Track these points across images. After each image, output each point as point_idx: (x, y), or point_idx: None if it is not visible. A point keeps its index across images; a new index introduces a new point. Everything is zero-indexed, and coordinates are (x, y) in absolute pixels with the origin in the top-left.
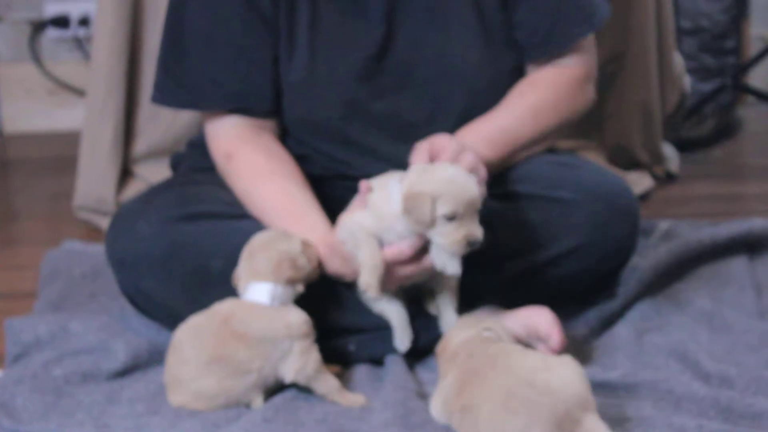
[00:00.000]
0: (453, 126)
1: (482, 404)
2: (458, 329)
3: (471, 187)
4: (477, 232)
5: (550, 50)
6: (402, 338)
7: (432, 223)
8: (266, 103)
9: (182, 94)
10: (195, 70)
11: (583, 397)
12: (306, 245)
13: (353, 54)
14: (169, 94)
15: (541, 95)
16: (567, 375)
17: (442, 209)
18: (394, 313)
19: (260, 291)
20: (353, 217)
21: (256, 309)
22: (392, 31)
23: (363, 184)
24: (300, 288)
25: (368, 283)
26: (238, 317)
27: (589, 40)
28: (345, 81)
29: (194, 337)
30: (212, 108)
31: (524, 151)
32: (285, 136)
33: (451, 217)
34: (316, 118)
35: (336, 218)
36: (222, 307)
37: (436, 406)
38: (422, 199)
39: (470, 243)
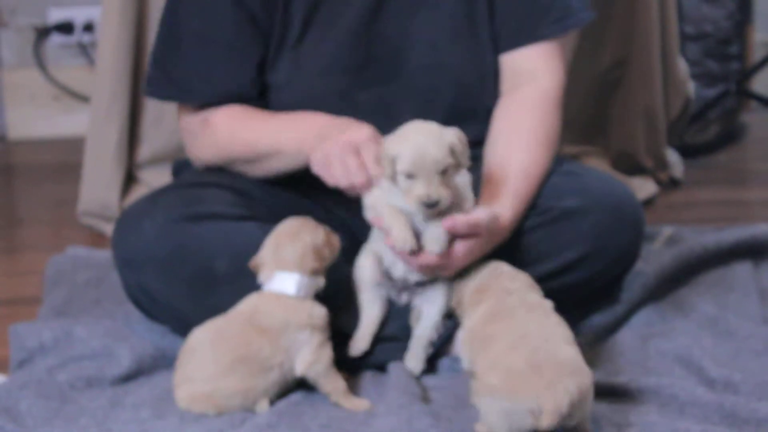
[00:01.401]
0: (441, 118)
1: (504, 339)
2: (466, 279)
3: (430, 149)
4: (432, 192)
5: (518, 42)
6: (361, 341)
7: (393, 179)
8: (251, 101)
9: (171, 87)
10: (185, 65)
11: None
12: (328, 234)
13: (341, 45)
14: (158, 86)
15: (541, 128)
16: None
17: (400, 167)
18: (370, 314)
19: (287, 281)
20: (371, 193)
21: (281, 299)
22: (381, 23)
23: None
24: (321, 281)
25: (404, 237)
26: (262, 310)
27: (559, 46)
28: (332, 73)
29: (215, 339)
30: (198, 101)
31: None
32: None
33: (408, 176)
34: (304, 110)
35: (327, 211)
36: (244, 306)
37: (462, 336)
38: (385, 158)
39: (424, 203)
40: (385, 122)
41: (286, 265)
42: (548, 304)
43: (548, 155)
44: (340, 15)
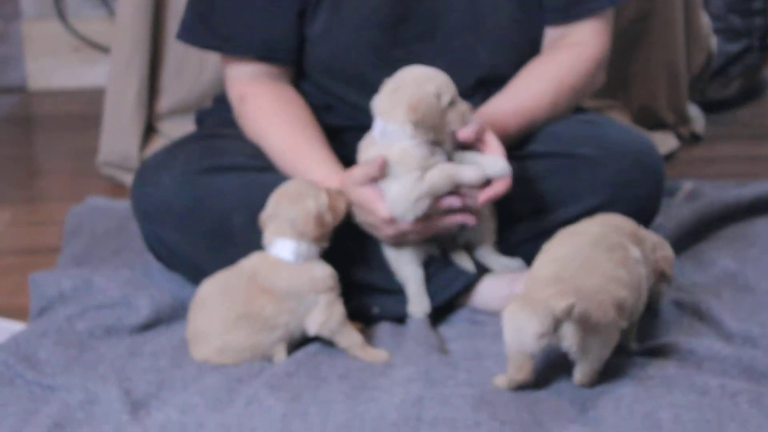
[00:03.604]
0: (473, 83)
1: (550, 253)
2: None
3: (443, 73)
4: (464, 105)
5: (570, 17)
6: (420, 303)
7: (444, 115)
8: (290, 52)
9: (209, 35)
10: (225, 13)
11: None
12: (333, 194)
13: (380, 1)
14: (195, 33)
15: (561, 79)
16: None
17: (445, 98)
18: (412, 275)
19: (285, 248)
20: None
21: (280, 265)
22: None
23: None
24: (325, 244)
25: (474, 171)
26: (263, 273)
27: (608, 20)
28: (369, 27)
29: (222, 293)
30: (237, 53)
31: (535, 127)
32: (308, 85)
33: (451, 102)
34: (339, 64)
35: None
36: (248, 263)
37: None
38: (428, 99)
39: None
40: None
41: (284, 232)
42: (634, 253)
43: (557, 104)
44: None
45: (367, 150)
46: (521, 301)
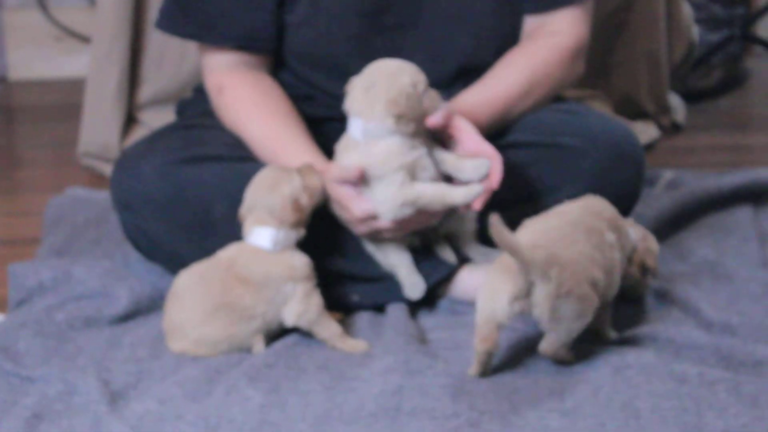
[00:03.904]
0: (454, 71)
1: (530, 228)
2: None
3: (409, 62)
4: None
5: (548, 6)
6: (415, 284)
7: (420, 105)
8: (269, 41)
9: (188, 23)
10: (204, 1)
11: None
12: (305, 173)
13: None
14: (174, 21)
15: (535, 69)
16: None
17: (420, 87)
18: (403, 261)
19: (263, 236)
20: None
21: (259, 253)
22: None
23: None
24: (303, 230)
25: (468, 189)
26: (241, 262)
27: (586, 10)
28: (349, 16)
29: (198, 284)
30: (216, 42)
31: (510, 119)
32: (289, 76)
33: (424, 89)
34: (319, 53)
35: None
36: (225, 254)
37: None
38: (406, 90)
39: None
40: None
41: (263, 220)
42: (609, 238)
43: (532, 94)
44: None
45: (346, 152)
46: (497, 265)
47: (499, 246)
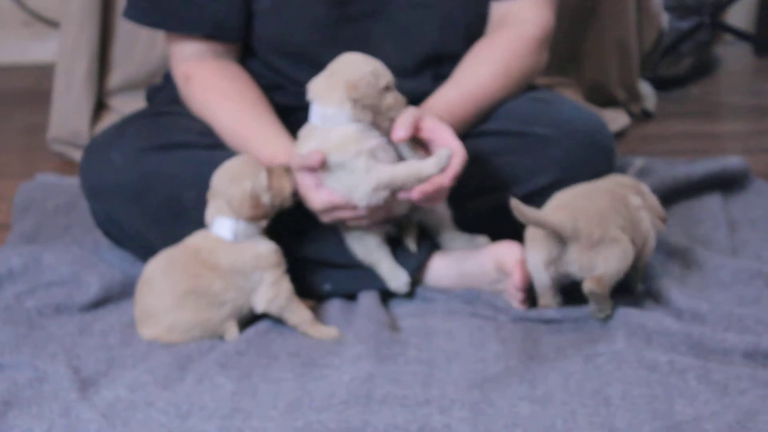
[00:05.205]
0: (422, 60)
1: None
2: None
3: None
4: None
5: None
6: (398, 277)
7: (382, 96)
8: (237, 30)
9: (156, 13)
10: None
11: None
12: (277, 173)
13: None
14: (142, 11)
15: (507, 62)
16: None
17: (382, 80)
18: (380, 257)
19: (224, 227)
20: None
21: (223, 243)
22: None
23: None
24: (263, 224)
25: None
26: (206, 250)
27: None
28: (316, 4)
29: (168, 270)
30: (184, 31)
31: (485, 113)
32: (258, 65)
33: (388, 87)
34: (286, 42)
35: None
36: (192, 240)
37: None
38: (366, 78)
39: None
40: None
41: (223, 210)
42: (635, 200)
43: (505, 87)
44: None
45: (306, 139)
46: (527, 239)
47: (525, 222)
